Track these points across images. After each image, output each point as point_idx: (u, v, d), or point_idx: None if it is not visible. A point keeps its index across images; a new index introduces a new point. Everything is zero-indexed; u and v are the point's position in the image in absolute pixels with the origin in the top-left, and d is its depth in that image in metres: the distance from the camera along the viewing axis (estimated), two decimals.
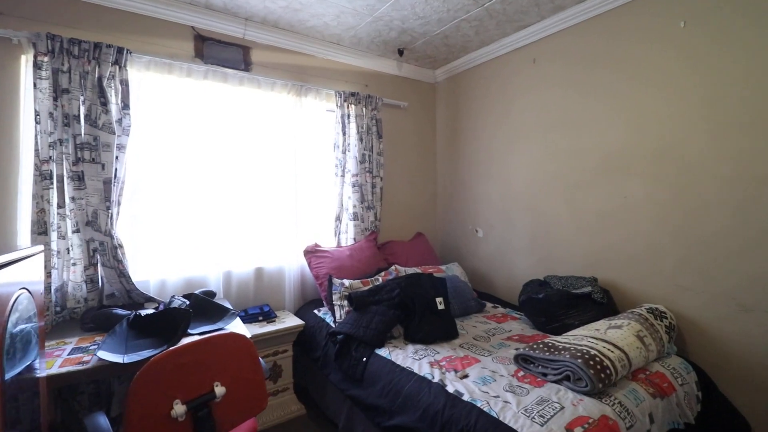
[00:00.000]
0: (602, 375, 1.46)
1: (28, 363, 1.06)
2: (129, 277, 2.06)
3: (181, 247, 2.37)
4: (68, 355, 1.54)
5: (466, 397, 1.51)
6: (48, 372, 1.38)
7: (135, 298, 2.10)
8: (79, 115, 1.93)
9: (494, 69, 3.01)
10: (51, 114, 1.87)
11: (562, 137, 2.53)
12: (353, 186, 2.94)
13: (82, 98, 1.93)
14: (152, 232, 2.28)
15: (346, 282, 2.46)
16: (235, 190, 2.54)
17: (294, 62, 2.79)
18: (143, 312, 1.75)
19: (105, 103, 1.97)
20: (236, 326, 1.86)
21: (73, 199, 1.93)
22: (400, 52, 3.06)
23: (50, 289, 1.90)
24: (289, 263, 2.75)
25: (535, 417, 1.35)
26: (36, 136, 1.85)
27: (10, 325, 0.91)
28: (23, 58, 1.92)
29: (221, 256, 2.48)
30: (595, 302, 2.12)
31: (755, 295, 1.75)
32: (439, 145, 3.63)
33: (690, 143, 1.95)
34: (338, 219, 2.93)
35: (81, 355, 1.54)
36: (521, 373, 1.67)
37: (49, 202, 1.89)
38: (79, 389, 1.91)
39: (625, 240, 2.22)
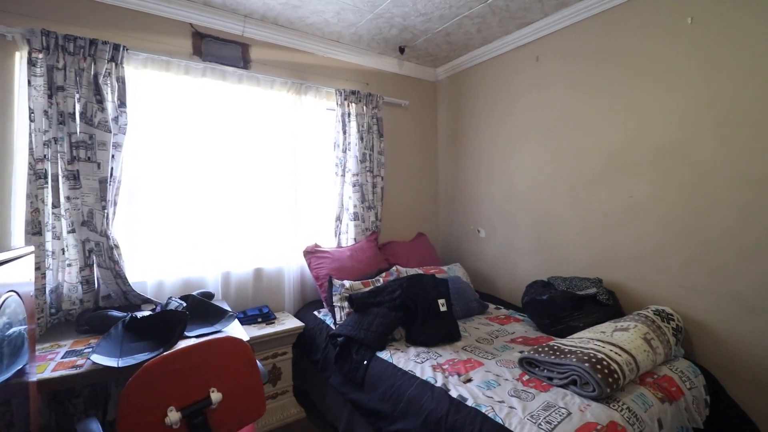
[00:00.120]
0: (610, 379, 1.42)
1: (18, 368, 1.02)
2: (125, 278, 2.02)
3: (179, 248, 2.33)
4: (62, 358, 1.50)
5: (470, 402, 1.47)
6: (39, 376, 1.33)
7: (131, 299, 2.07)
8: (74, 113, 1.89)
9: (496, 67, 2.97)
10: (46, 112, 1.84)
11: (566, 136, 2.50)
12: (354, 185, 2.91)
13: (77, 96, 1.90)
14: (149, 232, 2.24)
15: (347, 283, 2.42)
16: (234, 189, 2.50)
17: (294, 60, 2.75)
18: (139, 314, 1.72)
19: (101, 101, 1.94)
20: (234, 328, 1.83)
21: (68, 198, 1.90)
22: (401, 50, 3.03)
23: (45, 291, 1.86)
24: (288, 264, 2.72)
25: (542, 423, 1.31)
26: (30, 134, 1.82)
27: None
28: (17, 54, 1.88)
29: (220, 257, 2.44)
30: (600, 304, 2.08)
31: (764, 297, 1.71)
32: (441, 144, 3.59)
33: (696, 142, 1.91)
34: (338, 219, 2.89)
35: (75, 358, 1.50)
36: (526, 377, 1.63)
37: (43, 201, 1.86)
38: (74, 392, 1.88)
39: (630, 240, 2.18)
